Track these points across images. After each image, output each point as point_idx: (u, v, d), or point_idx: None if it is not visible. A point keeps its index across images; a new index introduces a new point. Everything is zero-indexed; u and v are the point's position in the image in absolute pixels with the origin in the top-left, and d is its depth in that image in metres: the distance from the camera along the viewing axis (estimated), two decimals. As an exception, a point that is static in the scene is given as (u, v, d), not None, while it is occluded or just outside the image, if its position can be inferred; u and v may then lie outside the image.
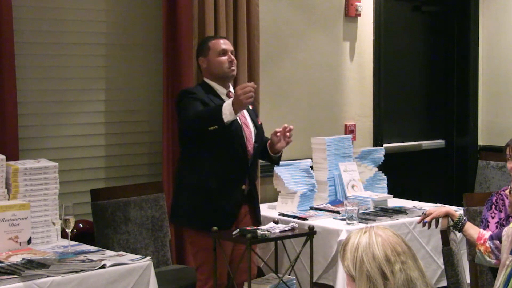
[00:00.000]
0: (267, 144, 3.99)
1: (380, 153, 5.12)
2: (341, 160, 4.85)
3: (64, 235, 3.59)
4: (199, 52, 4.01)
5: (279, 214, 4.42)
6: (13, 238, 3.46)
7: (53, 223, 3.57)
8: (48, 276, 2.99)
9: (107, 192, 4.17)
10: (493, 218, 3.55)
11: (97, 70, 4.50)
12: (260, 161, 4.39)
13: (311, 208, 4.58)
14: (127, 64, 4.59)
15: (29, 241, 3.52)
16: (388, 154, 5.28)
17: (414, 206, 4.65)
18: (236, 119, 3.80)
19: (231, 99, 3.66)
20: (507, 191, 3.39)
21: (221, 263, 3.70)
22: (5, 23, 3.90)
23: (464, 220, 3.55)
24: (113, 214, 4.13)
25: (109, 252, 3.45)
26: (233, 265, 3.82)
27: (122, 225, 4.15)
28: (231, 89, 3.97)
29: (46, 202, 3.65)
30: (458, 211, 3.79)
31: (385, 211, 4.51)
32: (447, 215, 3.58)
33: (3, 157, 3.60)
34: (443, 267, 3.71)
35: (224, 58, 3.90)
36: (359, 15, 5.51)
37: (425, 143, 6.34)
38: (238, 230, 3.60)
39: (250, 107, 4.00)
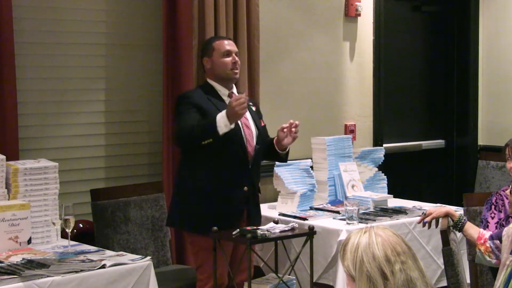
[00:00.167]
0: (274, 141, 3.97)
1: (380, 153, 5.12)
2: (341, 160, 4.86)
3: (64, 235, 3.59)
4: (203, 52, 4.00)
5: (279, 214, 4.42)
6: (13, 238, 3.46)
7: (53, 223, 3.57)
8: (48, 276, 2.99)
9: (107, 192, 4.17)
10: (492, 218, 3.55)
11: (97, 70, 4.50)
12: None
13: (311, 208, 4.58)
14: (127, 64, 4.59)
15: (29, 241, 3.52)
16: (388, 154, 5.28)
17: (414, 206, 4.65)
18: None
19: (224, 111, 3.65)
20: (507, 191, 3.39)
21: (221, 263, 3.70)
22: (5, 23, 3.90)
23: (464, 220, 3.55)
24: (113, 214, 4.13)
25: (109, 252, 3.45)
26: (234, 265, 3.82)
27: (122, 225, 4.15)
28: (234, 90, 3.97)
29: (46, 202, 3.65)
30: (458, 211, 3.79)
31: (385, 211, 4.51)
32: (447, 215, 3.58)
33: (3, 157, 3.60)
34: (443, 267, 3.71)
35: (228, 59, 3.89)
36: (359, 15, 5.51)
37: (425, 143, 6.34)
38: (238, 230, 3.60)
39: (254, 108, 4.00)
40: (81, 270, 3.09)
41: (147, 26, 4.64)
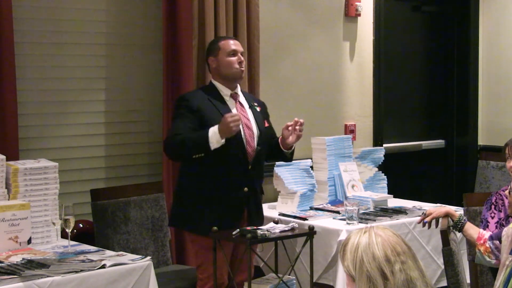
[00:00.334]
0: (279, 140, 3.97)
1: (380, 153, 5.12)
2: (341, 160, 4.86)
3: (64, 235, 3.59)
4: (209, 52, 4.00)
5: (279, 214, 4.42)
6: (13, 238, 3.46)
7: (53, 223, 3.57)
8: (48, 276, 2.99)
9: (107, 192, 4.17)
10: (492, 218, 3.55)
11: (97, 70, 4.50)
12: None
13: (311, 208, 4.58)
14: (127, 64, 4.59)
15: (29, 241, 3.52)
16: (388, 154, 5.28)
17: (414, 206, 4.65)
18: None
19: (216, 126, 3.66)
20: (506, 192, 3.39)
21: (221, 263, 3.70)
22: (5, 23, 3.90)
23: (464, 220, 3.55)
24: (113, 214, 4.13)
25: (109, 252, 3.45)
26: (235, 265, 3.82)
27: (122, 225, 4.15)
28: (238, 90, 3.96)
29: (46, 202, 3.65)
30: (458, 211, 3.79)
31: (385, 211, 4.51)
32: (447, 215, 3.59)
33: (3, 157, 3.60)
34: (443, 267, 3.71)
35: (234, 58, 3.90)
36: (359, 15, 5.51)
37: (425, 143, 6.34)
38: (238, 230, 3.60)
39: (258, 109, 3.99)
40: (81, 270, 3.09)
41: (147, 26, 4.64)
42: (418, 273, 1.95)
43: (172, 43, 4.46)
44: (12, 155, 3.83)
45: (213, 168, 3.76)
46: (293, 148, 4.00)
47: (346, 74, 5.52)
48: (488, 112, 6.41)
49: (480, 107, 6.43)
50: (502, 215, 3.54)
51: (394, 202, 4.77)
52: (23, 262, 3.20)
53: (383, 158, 5.12)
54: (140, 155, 4.65)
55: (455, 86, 6.45)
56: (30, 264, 3.15)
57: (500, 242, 3.12)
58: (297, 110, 5.20)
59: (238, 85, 3.99)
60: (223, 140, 3.67)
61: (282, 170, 4.59)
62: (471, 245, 3.64)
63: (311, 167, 4.78)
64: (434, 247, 4.36)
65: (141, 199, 4.26)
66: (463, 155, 6.45)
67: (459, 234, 3.70)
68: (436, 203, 4.71)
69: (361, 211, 4.37)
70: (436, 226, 3.62)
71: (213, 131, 3.65)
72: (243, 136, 3.82)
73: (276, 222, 3.78)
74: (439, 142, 6.46)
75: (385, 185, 5.03)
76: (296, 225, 3.74)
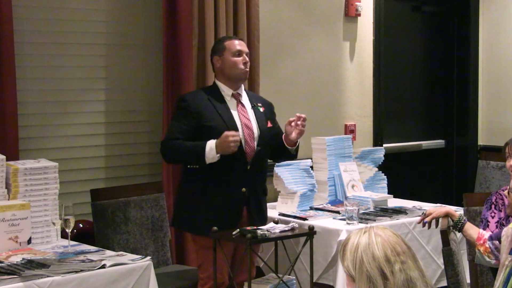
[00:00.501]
0: (283, 137, 3.95)
1: (380, 153, 5.12)
2: (341, 160, 4.85)
3: (64, 235, 3.59)
4: (214, 51, 4.00)
5: (279, 214, 4.42)
6: (13, 238, 3.46)
7: (53, 223, 3.57)
8: (48, 276, 2.99)
9: (107, 192, 4.17)
10: (493, 217, 3.55)
11: (97, 70, 4.50)
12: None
13: (311, 208, 4.58)
14: (127, 64, 4.60)
15: (29, 241, 3.52)
16: (388, 154, 5.28)
17: (414, 206, 4.65)
18: (234, 120, 3.82)
19: (214, 142, 3.67)
20: (506, 192, 3.39)
21: (221, 263, 3.70)
22: (5, 23, 3.90)
23: (464, 220, 3.55)
24: (113, 214, 4.13)
25: (109, 252, 3.45)
26: (236, 265, 3.82)
27: (122, 225, 4.15)
28: (241, 90, 3.96)
29: (46, 202, 3.65)
30: (458, 211, 3.79)
31: (385, 211, 4.51)
32: (447, 215, 3.59)
33: (3, 157, 3.60)
34: (443, 267, 3.71)
35: (239, 59, 3.90)
36: (359, 15, 5.51)
37: (425, 143, 6.34)
38: (238, 230, 3.59)
39: (261, 109, 3.98)
40: (81, 270, 3.09)
41: (147, 26, 4.64)
42: (418, 273, 1.95)
43: (172, 43, 4.46)
44: (12, 155, 3.83)
45: (212, 168, 3.76)
46: (297, 145, 3.99)
47: (346, 74, 5.52)
48: (488, 112, 6.41)
49: (480, 107, 6.43)
50: (502, 214, 3.54)
51: (394, 202, 4.77)
52: (23, 262, 3.20)
53: (383, 158, 5.11)
54: (140, 155, 4.65)
55: (455, 86, 6.45)
56: (30, 264, 3.15)
57: (500, 242, 3.12)
58: (297, 110, 5.15)
59: (242, 85, 3.98)
60: (218, 156, 3.70)
61: (282, 170, 4.59)
62: (471, 245, 3.64)
63: (311, 167, 4.78)
64: (434, 247, 4.36)
65: (141, 199, 4.26)
66: (463, 155, 6.45)
67: (459, 234, 3.70)
68: (436, 203, 4.71)
69: (361, 211, 4.37)
70: (436, 226, 3.62)
71: (210, 147, 3.69)
72: (241, 136, 3.82)
73: (276, 222, 3.77)
74: (439, 142, 6.46)
75: (385, 185, 5.03)
76: (296, 225, 3.73)
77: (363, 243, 1.95)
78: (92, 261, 3.22)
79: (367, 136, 5.66)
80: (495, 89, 6.37)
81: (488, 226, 3.53)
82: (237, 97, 3.92)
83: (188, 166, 3.85)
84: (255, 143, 3.87)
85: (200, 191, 3.83)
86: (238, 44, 3.94)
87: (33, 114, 4.25)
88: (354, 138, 5.46)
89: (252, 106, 3.95)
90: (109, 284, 3.14)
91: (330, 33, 5.41)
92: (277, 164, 4.53)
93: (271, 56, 5.08)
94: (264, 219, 3.97)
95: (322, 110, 5.37)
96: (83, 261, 3.23)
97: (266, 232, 3.55)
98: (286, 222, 3.89)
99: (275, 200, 4.70)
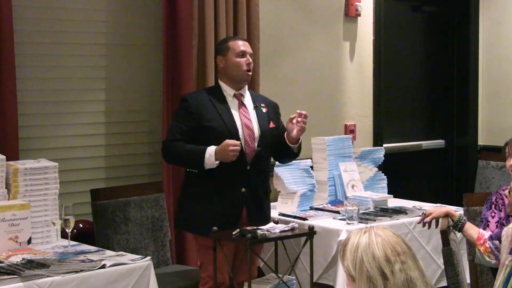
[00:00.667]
0: (285, 135, 3.94)
1: (380, 153, 5.12)
2: (341, 160, 4.86)
3: (64, 235, 3.59)
4: (217, 50, 4.01)
5: (279, 214, 4.42)
6: (13, 238, 3.46)
7: (53, 223, 3.57)
8: (48, 276, 2.99)
9: (107, 192, 4.17)
10: (493, 217, 3.55)
11: (97, 70, 4.50)
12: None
13: (311, 208, 4.58)
14: (127, 64, 4.59)
15: (29, 241, 3.52)
16: (388, 154, 5.28)
17: (414, 206, 4.66)
18: (234, 120, 3.81)
19: (213, 148, 3.69)
20: (506, 191, 3.39)
21: (221, 262, 3.70)
22: (5, 23, 3.90)
23: (464, 220, 3.55)
24: (113, 214, 4.13)
25: (109, 252, 3.45)
26: (236, 265, 3.82)
27: (122, 225, 4.15)
28: (244, 90, 3.95)
29: (46, 202, 3.65)
30: (458, 211, 3.79)
31: (385, 211, 4.51)
32: (447, 215, 3.59)
33: (3, 157, 3.60)
34: (443, 267, 3.71)
35: (243, 60, 3.89)
36: (359, 15, 5.51)
37: (425, 143, 6.34)
38: (238, 230, 3.59)
39: (264, 110, 3.97)
40: (81, 270, 3.09)
41: (147, 26, 4.64)
42: (418, 273, 1.95)
43: (172, 43, 4.46)
44: (12, 155, 3.83)
45: (212, 168, 3.76)
46: (299, 142, 3.98)
47: (346, 74, 5.52)
48: (488, 112, 6.41)
49: (480, 107, 6.43)
50: (502, 214, 3.54)
51: (394, 202, 4.77)
52: (23, 262, 3.20)
53: (383, 158, 5.12)
54: (140, 155, 4.65)
55: (455, 86, 6.45)
56: (30, 264, 3.15)
57: (500, 242, 3.12)
58: (298, 109, 5.18)
59: (246, 86, 3.98)
60: (217, 162, 3.71)
61: (282, 170, 4.59)
62: (471, 245, 3.64)
63: (311, 167, 4.78)
64: (434, 247, 4.36)
65: (141, 199, 4.26)
66: (463, 155, 6.45)
67: (459, 234, 3.70)
68: (436, 203, 4.71)
69: (361, 211, 4.37)
70: (436, 226, 3.62)
71: (210, 154, 3.70)
72: (241, 136, 3.82)
73: (276, 222, 3.78)
74: (439, 142, 6.47)
75: (385, 185, 5.04)
76: (296, 225, 3.73)
77: (363, 243, 1.95)
78: (92, 261, 3.22)
79: (367, 136, 5.66)
80: (495, 89, 6.36)
81: (488, 226, 3.53)
82: (239, 97, 3.92)
83: (187, 170, 3.88)
84: (256, 144, 3.87)
85: (200, 191, 3.84)
86: (242, 45, 3.93)
87: (33, 114, 4.25)
88: (354, 138, 5.46)
89: (254, 107, 3.95)
90: (109, 284, 3.14)
91: (330, 33, 5.41)
92: (277, 164, 4.53)
93: (271, 56, 5.08)
94: (265, 219, 3.95)
95: (322, 110, 5.37)
96: (83, 261, 3.23)
97: (266, 232, 3.55)
98: (286, 222, 3.89)
99: (275, 200, 4.70)
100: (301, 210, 4.52)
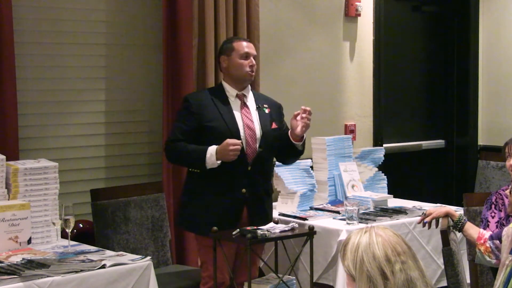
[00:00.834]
0: (289, 133, 3.93)
1: (380, 153, 5.12)
2: (341, 160, 4.85)
3: (64, 235, 3.59)
4: (221, 50, 4.00)
5: (279, 214, 4.42)
6: (13, 238, 3.46)
7: (53, 223, 3.57)
8: (48, 276, 2.99)
9: (107, 192, 4.17)
10: (493, 217, 3.55)
11: (97, 70, 4.50)
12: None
13: (311, 208, 4.58)
14: (127, 64, 4.59)
15: (29, 241, 3.52)
16: (388, 154, 5.28)
17: (414, 206, 4.65)
18: (236, 121, 3.81)
19: (214, 148, 3.69)
20: (507, 191, 3.39)
21: (222, 262, 3.70)
22: (5, 23, 3.90)
23: (464, 220, 3.55)
24: (113, 214, 4.13)
25: (109, 252, 3.45)
26: (237, 265, 3.82)
27: (122, 225, 4.15)
28: (247, 91, 3.95)
29: (46, 202, 3.65)
30: (458, 211, 3.79)
31: (385, 211, 4.51)
32: (447, 215, 3.59)
33: (3, 157, 3.60)
34: (443, 267, 3.71)
35: (246, 61, 3.89)
36: (359, 15, 5.51)
37: (425, 143, 6.34)
38: (238, 230, 3.59)
39: (267, 110, 3.96)
40: (81, 270, 3.09)
41: (147, 26, 4.64)
42: (418, 273, 1.95)
43: (172, 43, 4.46)
44: (12, 155, 3.83)
45: (213, 168, 3.76)
46: (303, 140, 3.97)
47: (346, 74, 5.52)
48: (488, 112, 6.41)
49: (480, 107, 6.43)
50: (502, 214, 3.54)
51: (394, 202, 4.77)
52: (23, 262, 3.20)
53: (383, 158, 5.11)
54: (140, 155, 4.65)
55: (455, 86, 6.45)
56: (30, 264, 3.15)
57: (500, 241, 3.12)
58: (297, 110, 5.18)
59: (249, 86, 3.98)
60: (219, 162, 3.71)
61: (282, 170, 4.59)
62: (471, 245, 3.64)
63: (311, 167, 4.78)
64: (434, 247, 4.36)
65: (141, 199, 4.26)
66: (463, 155, 6.45)
67: (459, 234, 3.70)
68: (436, 203, 4.71)
69: (361, 211, 4.37)
70: (436, 226, 3.62)
71: (211, 153, 3.71)
72: (242, 137, 3.82)
73: (276, 222, 3.78)
74: (439, 142, 6.46)
75: (385, 185, 5.03)
76: (296, 225, 3.73)
77: (364, 242, 1.95)
78: (92, 261, 3.22)
79: (367, 136, 5.66)
80: (495, 89, 6.36)
81: (488, 226, 3.53)
82: (241, 97, 3.91)
83: (189, 170, 3.89)
84: (257, 144, 3.87)
85: (201, 191, 3.84)
86: (246, 47, 3.93)
87: (33, 114, 4.25)
88: (354, 138, 5.46)
89: (257, 107, 3.95)
90: (109, 284, 3.14)
91: (330, 33, 5.41)
92: (277, 164, 4.53)
93: (271, 56, 5.08)
94: (266, 220, 3.94)
95: (322, 110, 5.37)
96: (83, 261, 3.23)
97: (266, 232, 3.55)
98: (286, 222, 3.89)
99: (275, 200, 4.70)
100: (301, 210, 4.52)
